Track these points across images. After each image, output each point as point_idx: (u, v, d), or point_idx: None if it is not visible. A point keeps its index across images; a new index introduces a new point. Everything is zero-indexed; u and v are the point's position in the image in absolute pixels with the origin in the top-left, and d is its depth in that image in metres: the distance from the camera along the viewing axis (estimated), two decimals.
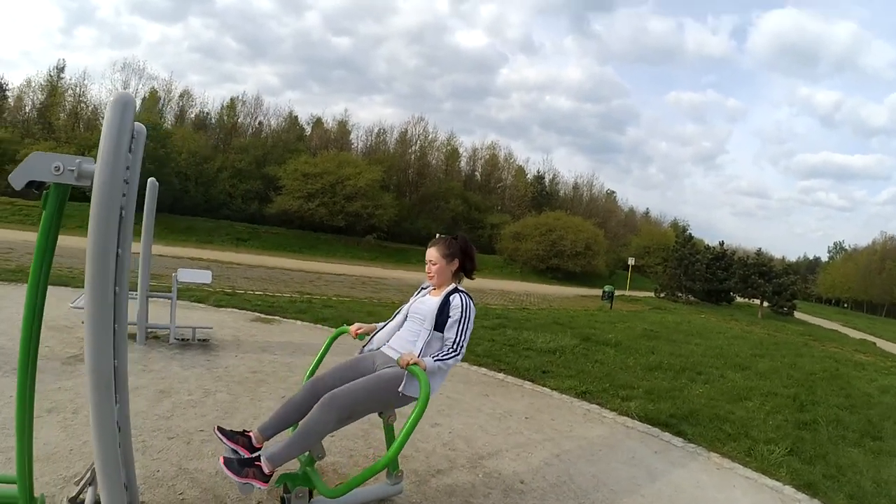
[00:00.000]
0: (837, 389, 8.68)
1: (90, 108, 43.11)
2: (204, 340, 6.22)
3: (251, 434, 2.66)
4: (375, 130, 54.17)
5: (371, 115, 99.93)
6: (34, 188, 2.11)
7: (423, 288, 3.18)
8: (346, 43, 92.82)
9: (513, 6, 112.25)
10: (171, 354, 5.54)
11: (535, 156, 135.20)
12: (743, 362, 10.13)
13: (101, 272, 1.97)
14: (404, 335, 2.96)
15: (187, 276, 6.51)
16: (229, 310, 8.73)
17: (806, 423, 6.14)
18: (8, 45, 73.27)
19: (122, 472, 2.38)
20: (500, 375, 6.53)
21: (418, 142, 53.38)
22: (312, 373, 3.15)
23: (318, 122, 52.41)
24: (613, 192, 69.05)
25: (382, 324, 3.19)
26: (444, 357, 2.75)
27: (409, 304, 3.11)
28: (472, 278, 3.16)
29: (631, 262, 37.14)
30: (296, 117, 51.61)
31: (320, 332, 7.86)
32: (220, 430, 2.63)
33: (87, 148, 34.77)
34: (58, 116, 41.29)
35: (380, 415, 2.92)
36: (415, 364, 2.60)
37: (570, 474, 3.82)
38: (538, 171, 61.18)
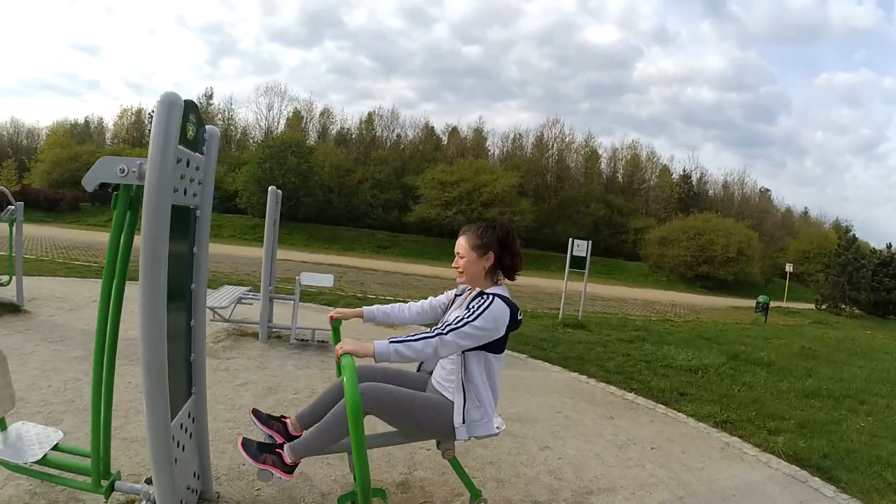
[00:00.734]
0: None
1: (239, 130, 47.73)
2: (323, 342, 6.36)
3: (288, 420, 2.50)
4: (511, 136, 54.08)
5: (507, 120, 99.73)
6: (110, 189, 2.18)
7: (458, 294, 2.64)
8: (475, 51, 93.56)
9: None
10: (289, 354, 5.73)
11: (679, 153, 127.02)
12: None
13: (152, 268, 1.97)
14: (444, 361, 2.43)
15: (310, 279, 6.74)
16: None
17: None
18: (163, 77, 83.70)
19: (195, 462, 2.55)
20: (631, 396, 5.91)
21: (555, 145, 52.39)
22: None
23: (453, 131, 53.40)
24: (768, 190, 62.14)
25: (374, 307, 2.71)
26: (410, 338, 2.12)
27: (446, 312, 2.61)
28: (512, 279, 2.47)
29: (789, 268, 33.34)
30: (432, 127, 53.06)
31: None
32: (256, 413, 2.50)
33: (238, 165, 38.49)
34: None
35: (437, 446, 2.53)
36: (345, 354, 2.04)
37: None
38: (684, 170, 56.71)
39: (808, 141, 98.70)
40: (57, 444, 2.49)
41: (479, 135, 52.97)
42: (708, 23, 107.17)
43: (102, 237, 22.08)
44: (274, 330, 6.39)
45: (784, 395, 6.82)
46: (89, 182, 2.13)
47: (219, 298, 6.17)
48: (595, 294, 20.91)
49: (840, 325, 22.34)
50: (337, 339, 2.75)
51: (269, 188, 6.28)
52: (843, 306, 31.25)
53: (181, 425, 2.30)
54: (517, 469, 3.60)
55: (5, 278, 6.89)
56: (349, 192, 41.59)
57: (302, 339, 6.29)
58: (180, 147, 2.07)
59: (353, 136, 51.48)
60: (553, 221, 45.46)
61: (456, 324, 2.16)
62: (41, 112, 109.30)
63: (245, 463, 3.02)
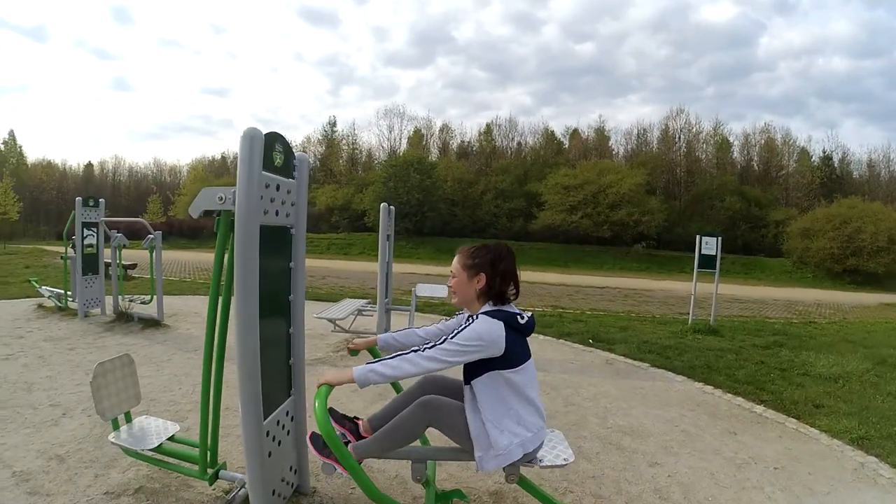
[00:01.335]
0: None
1: (364, 153, 50.67)
2: None
3: (360, 422, 2.58)
4: (635, 132, 52.19)
5: (629, 116, 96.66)
6: (214, 215, 2.50)
7: (468, 318, 2.44)
8: (588, 48, 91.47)
9: None
10: None
11: (817, 133, 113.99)
12: None
13: (245, 282, 2.24)
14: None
15: (426, 290, 7.03)
16: None
17: None
18: (289, 111, 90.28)
19: (293, 457, 2.83)
20: (759, 408, 5.43)
21: (682, 136, 49.69)
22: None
23: (574, 133, 52.61)
24: None
25: (387, 334, 2.67)
26: (393, 357, 2.14)
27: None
28: (502, 303, 2.32)
29: None
30: (552, 132, 52.70)
31: (561, 347, 7.65)
32: (332, 411, 2.54)
33: (364, 185, 40.61)
34: (336, 163, 49.23)
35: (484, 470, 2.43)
36: (323, 385, 2.08)
37: None
38: (823, 151, 50.18)
39: None
40: (173, 435, 2.91)
41: (600, 134, 51.77)
42: None
43: None
44: None
45: None
46: (195, 210, 2.45)
47: (338, 311, 6.61)
48: (731, 296, 19.55)
49: None
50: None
51: (381, 205, 6.63)
52: None
53: (278, 422, 2.58)
54: (619, 486, 3.46)
55: (148, 297, 7.99)
56: (472, 204, 42.42)
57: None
58: (266, 174, 2.33)
59: (474, 148, 52.49)
60: (686, 219, 42.94)
61: (437, 341, 2.17)
62: (181, 151, 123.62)
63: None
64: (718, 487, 3.59)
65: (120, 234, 7.96)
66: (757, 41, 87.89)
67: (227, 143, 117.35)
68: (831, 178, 47.58)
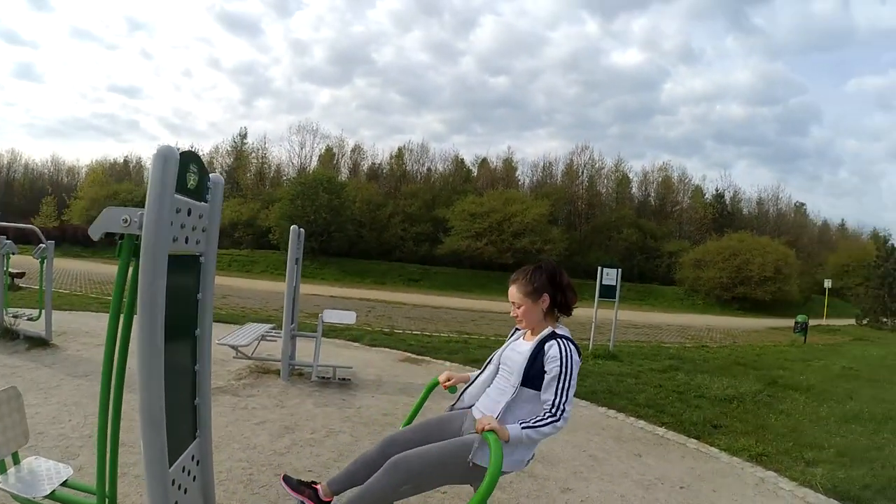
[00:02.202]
0: None
1: (273, 168, 49.42)
2: (345, 380, 6.36)
3: (318, 487, 2.51)
4: (541, 164, 54.31)
5: (536, 149, 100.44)
6: (116, 238, 2.28)
7: (516, 329, 2.65)
8: (503, 81, 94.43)
9: (664, 16, 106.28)
10: (310, 392, 5.75)
11: (711, 173, 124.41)
12: None
13: (149, 317, 2.02)
14: (493, 394, 2.49)
15: (333, 316, 6.83)
16: (381, 349, 8.95)
17: None
18: (198, 118, 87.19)
19: (200, 502, 2.56)
20: (661, 430, 5.72)
21: (585, 171, 52.33)
22: (409, 422, 2.85)
23: (482, 162, 53.91)
24: (803, 204, 60.57)
25: (477, 373, 2.73)
26: (538, 423, 2.23)
27: (501, 349, 2.63)
28: (568, 314, 2.52)
29: (827, 284, 32.26)
30: (461, 160, 53.73)
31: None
32: (287, 480, 2.53)
33: (272, 202, 39.44)
34: (244, 177, 47.60)
35: (473, 485, 2.45)
36: (491, 430, 2.15)
37: None
38: (716, 189, 55.62)
39: (842, 150, 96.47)
40: (66, 479, 2.61)
41: (508, 165, 53.46)
42: (732, 37, 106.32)
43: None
44: (296, 367, 6.46)
45: (823, 421, 6.56)
46: (95, 231, 2.19)
47: (241, 336, 6.28)
48: (629, 321, 20.53)
49: (882, 341, 21.50)
50: (424, 398, 2.93)
51: (291, 227, 6.42)
52: (885, 319, 30.11)
53: (183, 468, 2.34)
54: None
55: (35, 313, 7.24)
56: (380, 227, 42.17)
57: (323, 377, 6.31)
58: (179, 197, 2.14)
59: (384, 170, 52.44)
60: (585, 249, 45.22)
61: (563, 397, 2.27)
62: (81, 151, 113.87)
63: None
64: None
65: (8, 242, 7.13)
66: (661, 86, 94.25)
67: (132, 147, 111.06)
68: (722, 214, 52.14)
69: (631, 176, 54.71)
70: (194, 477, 2.44)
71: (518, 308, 2.47)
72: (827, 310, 33.16)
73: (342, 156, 52.17)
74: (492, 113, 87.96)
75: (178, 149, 2.18)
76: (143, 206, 2.07)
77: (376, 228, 41.85)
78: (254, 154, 50.61)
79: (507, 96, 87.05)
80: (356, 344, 9.19)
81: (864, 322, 30.47)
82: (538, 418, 2.24)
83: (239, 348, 6.10)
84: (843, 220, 65.37)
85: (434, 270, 40.40)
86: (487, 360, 2.69)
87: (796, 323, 19.67)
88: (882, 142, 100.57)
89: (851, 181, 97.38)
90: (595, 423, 5.81)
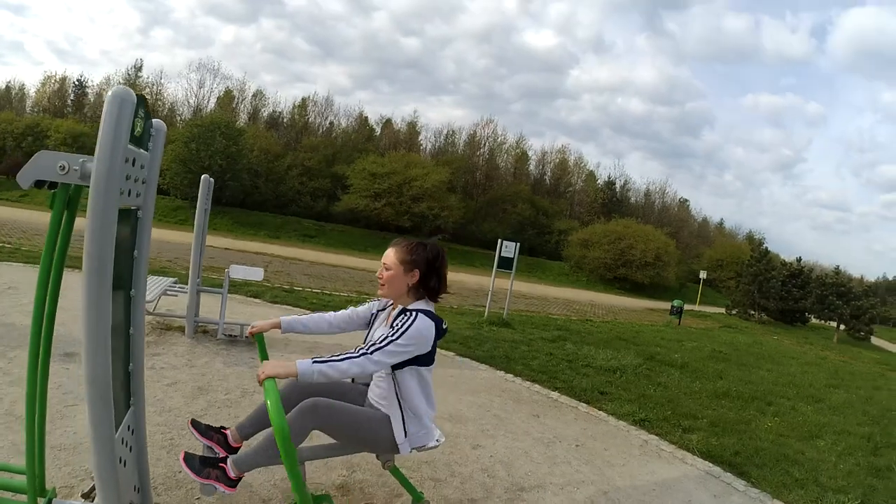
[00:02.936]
0: None
1: (167, 106, 45.75)
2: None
3: (227, 431, 2.43)
4: (444, 132, 54.59)
5: (440, 115, 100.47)
6: (46, 186, 2.05)
7: (380, 310, 2.56)
8: (414, 43, 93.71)
9: (583, 4, 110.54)
10: (217, 350, 5.55)
11: (606, 160, 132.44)
12: (816, 393, 9.27)
13: (98, 274, 1.84)
14: (376, 379, 2.42)
15: (240, 272, 6.53)
16: (283, 306, 8.77)
17: (879, 470, 5.39)
18: (89, 44, 79.00)
19: (135, 476, 2.37)
20: (555, 394, 6.15)
21: (487, 144, 53.14)
22: None
23: (387, 123, 53.17)
24: (687, 200, 66.22)
25: (292, 317, 2.57)
26: (334, 358, 2.07)
27: (368, 333, 2.53)
28: (436, 301, 2.43)
29: (703, 275, 35.51)
30: (366, 118, 52.72)
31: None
32: (195, 424, 2.42)
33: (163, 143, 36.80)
34: None
35: (377, 457, 2.49)
36: (268, 378, 1.94)
37: None
38: (609, 177, 59.43)
39: (730, 156, 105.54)
40: None
41: (412, 128, 53.10)
42: (644, 36, 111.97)
43: (18, 214, 20.54)
44: (200, 324, 6.16)
45: (697, 395, 7.28)
46: (25, 178, 1.97)
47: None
48: (518, 292, 21.36)
49: (749, 330, 23.97)
50: (263, 352, 2.68)
51: (203, 177, 6.03)
52: (752, 312, 33.59)
53: (122, 440, 2.16)
54: (452, 468, 3.69)
55: None
56: (277, 178, 40.55)
57: (230, 335, 6.09)
58: (129, 146, 1.95)
59: (285, 120, 50.19)
60: (480, 219, 46.29)
61: (381, 342, 2.15)
62: None
63: (181, 471, 2.93)
64: (534, 464, 4.06)
65: None
66: (568, 71, 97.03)
67: (15, 71, 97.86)
68: (612, 200, 55.65)
69: (530, 154, 56.56)
70: (130, 447, 2.27)
71: (387, 271, 2.37)
72: (700, 297, 36.31)
73: (242, 100, 49.24)
74: (399, 73, 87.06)
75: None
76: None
77: (273, 180, 40.21)
78: (148, 89, 46.48)
79: (416, 59, 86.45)
80: (257, 300, 8.92)
81: (734, 312, 33.82)
82: (340, 354, 2.12)
83: None
84: (721, 219, 72.33)
85: (329, 227, 39.78)
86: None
87: (672, 307, 21.38)
88: (768, 154, 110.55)
89: (735, 185, 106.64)
90: (495, 385, 6.15)
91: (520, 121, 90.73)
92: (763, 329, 27.06)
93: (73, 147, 37.18)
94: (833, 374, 13.03)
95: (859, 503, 4.36)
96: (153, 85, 46.58)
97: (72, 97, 47.35)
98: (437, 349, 2.41)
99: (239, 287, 9.29)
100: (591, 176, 58.35)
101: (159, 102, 46.14)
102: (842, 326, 31.77)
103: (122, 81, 46.08)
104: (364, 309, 2.61)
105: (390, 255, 2.39)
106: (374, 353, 2.12)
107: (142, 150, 2.21)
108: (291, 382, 2.38)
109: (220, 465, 2.21)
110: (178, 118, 46.32)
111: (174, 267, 11.40)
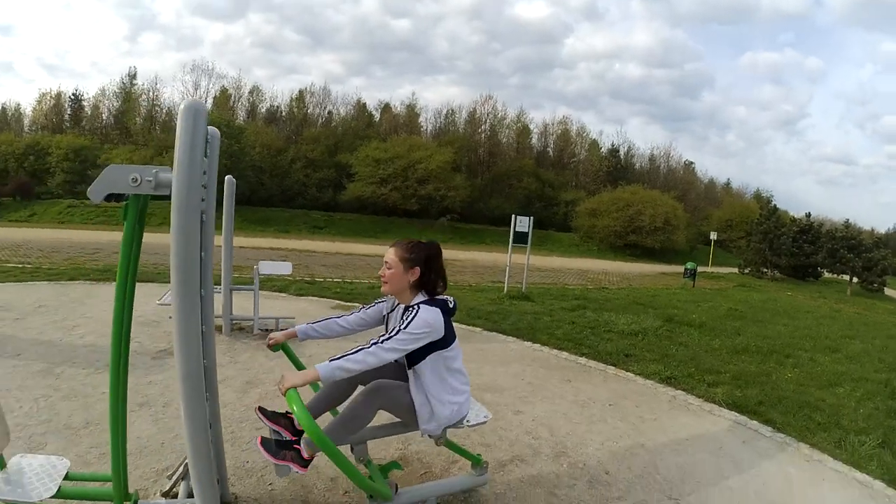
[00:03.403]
0: None
1: (164, 111, 45.94)
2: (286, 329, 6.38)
3: (293, 416, 2.58)
4: (444, 112, 54.21)
5: (436, 95, 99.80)
6: (114, 199, 2.18)
7: (390, 311, 2.72)
8: (405, 25, 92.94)
9: None
10: (256, 345, 5.76)
11: (608, 128, 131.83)
12: (833, 344, 9.47)
13: (186, 281, 2.01)
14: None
15: (268, 268, 6.75)
16: (310, 298, 9.02)
17: None
18: (78, 57, 78.68)
19: (214, 468, 2.46)
20: (583, 360, 6.40)
21: (488, 121, 52.84)
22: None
23: (386, 108, 52.95)
24: (692, 162, 65.75)
25: (306, 325, 2.73)
26: (348, 353, 2.27)
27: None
28: (432, 297, 2.58)
29: (713, 236, 35.48)
30: (364, 104, 52.44)
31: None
32: (262, 410, 2.59)
33: (164, 149, 36.98)
34: (134, 121, 44.10)
35: (429, 436, 2.68)
36: (290, 388, 2.14)
37: (655, 465, 3.69)
38: (612, 144, 58.99)
39: (731, 116, 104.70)
40: (67, 473, 2.46)
41: (411, 111, 52.80)
42: (638, 1, 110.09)
43: (30, 234, 20.78)
44: (235, 322, 6.38)
45: (717, 352, 7.52)
46: (97, 193, 2.08)
47: None
48: (532, 265, 21.48)
49: (762, 288, 24.08)
50: (293, 358, 2.88)
51: (227, 178, 6.21)
52: (765, 270, 33.67)
53: None
54: (499, 433, 3.93)
55: None
56: (281, 173, 40.57)
57: (266, 329, 6.32)
58: None
59: (284, 114, 50.08)
60: (486, 196, 46.26)
61: (392, 333, 2.34)
62: None
63: (248, 461, 3.15)
64: (573, 424, 4.32)
65: None
66: (563, 41, 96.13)
67: (8, 92, 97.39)
68: (617, 168, 55.41)
69: (531, 127, 56.13)
70: (211, 441, 2.45)
71: (388, 269, 2.54)
72: (712, 259, 36.33)
73: (239, 98, 49.09)
74: (392, 56, 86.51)
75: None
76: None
77: (277, 175, 40.22)
78: (144, 96, 46.34)
79: (408, 40, 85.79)
80: (283, 294, 9.16)
81: (746, 271, 33.94)
82: (353, 349, 2.29)
83: None
84: (728, 179, 72.06)
85: (338, 217, 39.88)
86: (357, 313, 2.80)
87: (686, 269, 21.53)
88: (769, 112, 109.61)
89: (738, 144, 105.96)
90: (525, 355, 6.40)
91: (518, 94, 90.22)
92: (776, 286, 27.13)
93: (74, 161, 37.69)
94: (848, 325, 13.18)
95: (880, 442, 4.57)
96: (149, 91, 46.54)
97: (69, 112, 47.36)
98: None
99: (263, 283, 9.49)
100: (595, 145, 57.97)
101: (157, 108, 46.12)
102: (854, 279, 31.74)
103: (117, 91, 46.20)
104: (374, 310, 2.77)
105: (391, 253, 2.56)
106: (385, 343, 2.30)
107: (203, 158, 2.37)
108: None
109: (295, 446, 2.41)
110: (177, 122, 46.07)
111: None
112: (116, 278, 2.18)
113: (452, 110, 54.03)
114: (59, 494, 2.33)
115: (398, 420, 2.66)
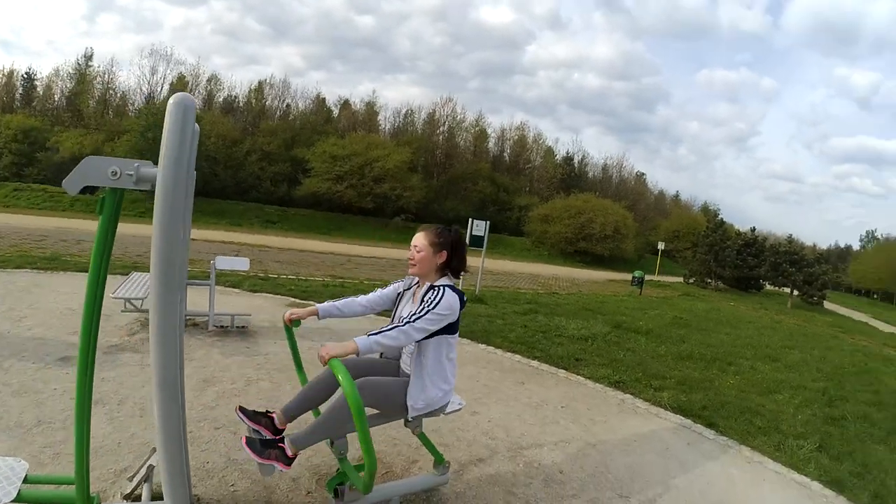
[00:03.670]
0: (866, 385, 8.59)
1: (118, 95, 44.14)
2: (242, 327, 6.34)
3: (274, 415, 2.65)
4: (403, 111, 54.08)
5: (396, 94, 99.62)
6: (88, 192, 2.14)
7: (406, 289, 2.89)
8: (369, 21, 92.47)
9: None
10: (211, 342, 5.68)
11: (564, 136, 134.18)
12: (773, 354, 10.02)
13: (167, 283, 1.96)
14: (407, 347, 2.75)
15: (225, 263, 6.64)
16: (264, 294, 8.90)
17: (834, 419, 6.11)
18: (34, 34, 74.90)
19: (188, 479, 2.45)
20: (535, 363, 6.59)
21: (447, 123, 53.00)
22: (299, 366, 3.02)
23: (345, 104, 52.37)
24: (643, 173, 68.03)
25: (327, 303, 2.81)
26: (384, 329, 2.41)
27: (395, 311, 2.86)
28: (458, 278, 2.85)
29: (661, 246, 36.78)
30: (323, 99, 51.75)
31: (358, 319, 7.86)
32: (243, 410, 2.62)
33: (117, 134, 35.65)
34: (87, 104, 42.21)
35: (406, 424, 2.78)
36: (333, 358, 2.22)
37: (606, 465, 3.87)
38: (567, 152, 60.46)
39: (684, 131, 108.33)
40: (26, 475, 2.37)
41: (371, 109, 52.41)
42: (600, 13, 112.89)
43: None
44: (189, 317, 6.27)
45: (663, 358, 7.87)
46: (73, 185, 1.98)
47: (134, 288, 5.94)
48: (485, 269, 21.70)
49: (706, 298, 25.03)
50: (292, 339, 2.92)
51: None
52: (709, 281, 35.05)
53: None
54: (456, 434, 4.04)
55: None
56: (236, 165, 39.50)
57: (221, 326, 6.23)
58: None
59: (241, 104, 48.88)
60: (441, 198, 46.49)
61: (420, 313, 2.47)
62: None
63: (209, 462, 3.14)
64: (527, 425, 4.47)
65: None
66: (525, 48, 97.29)
67: None
68: (571, 176, 56.76)
69: (489, 131, 56.74)
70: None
71: (418, 252, 2.71)
72: (659, 268, 37.53)
73: (196, 86, 47.58)
74: (354, 52, 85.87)
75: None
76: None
77: (232, 166, 39.12)
78: (99, 79, 44.31)
79: (371, 37, 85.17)
80: (237, 290, 9.02)
81: (691, 281, 35.23)
82: (387, 326, 2.45)
83: (132, 300, 5.76)
84: (677, 191, 75.13)
85: (292, 212, 39.27)
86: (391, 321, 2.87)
87: (634, 277, 22.16)
88: (722, 128, 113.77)
89: (689, 158, 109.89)
90: (480, 357, 6.55)
91: (477, 98, 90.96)
92: (720, 296, 28.25)
93: (23, 142, 35.90)
94: (788, 336, 13.88)
95: (818, 446, 4.93)
96: (104, 74, 44.49)
97: (20, 91, 45.07)
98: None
99: (217, 278, 9.33)
100: (550, 152, 59.15)
101: (111, 91, 44.32)
102: (795, 292, 33.38)
103: (72, 72, 44.10)
104: (390, 289, 2.92)
105: (421, 238, 2.74)
106: (417, 322, 2.45)
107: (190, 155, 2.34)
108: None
109: (279, 444, 2.44)
110: (131, 107, 44.58)
111: (145, 261, 11.30)
112: (89, 272, 2.10)
113: (412, 110, 54.10)
114: (19, 498, 2.25)
115: (377, 412, 2.72)
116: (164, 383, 1.99)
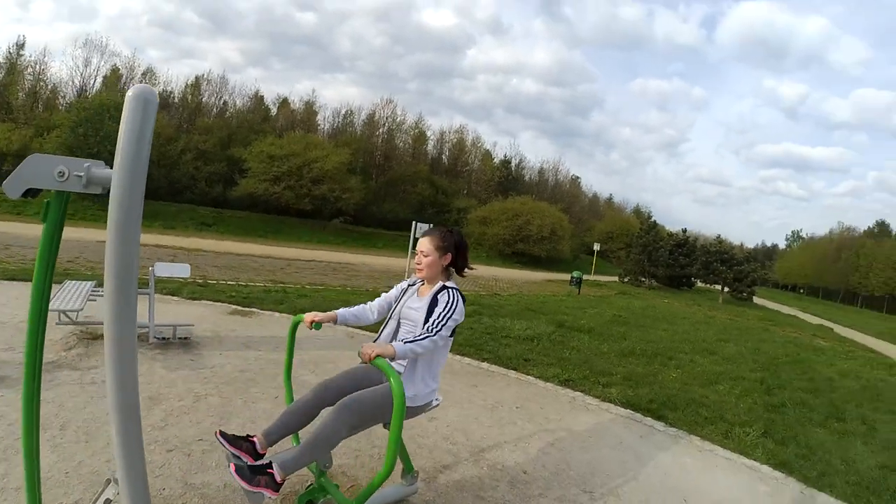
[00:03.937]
0: (800, 373, 9.12)
1: (49, 87, 41.50)
2: (185, 338, 6.01)
3: (255, 439, 2.55)
4: (343, 112, 53.43)
5: (335, 94, 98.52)
6: (31, 196, 1.95)
7: (410, 285, 3.01)
8: (310, 18, 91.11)
9: None
10: (153, 355, 5.35)
11: (502, 140, 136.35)
12: (710, 347, 10.47)
13: (124, 290, 1.76)
14: None
15: (165, 269, 6.29)
16: (204, 302, 8.52)
17: (774, 406, 6.48)
18: None
19: None
20: (485, 365, 6.62)
21: (386, 124, 52.75)
22: (288, 369, 3.02)
23: (284, 103, 51.21)
24: (578, 177, 70.23)
25: (344, 310, 2.94)
26: (418, 338, 2.52)
27: (398, 305, 2.92)
28: (462, 276, 3.02)
29: (596, 247, 37.88)
30: (262, 97, 50.33)
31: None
32: (223, 434, 2.50)
33: (47, 129, 33.39)
34: (16, 96, 39.41)
35: (385, 426, 2.70)
36: (378, 356, 2.33)
37: (567, 462, 3.95)
38: (505, 156, 61.60)
39: (617, 136, 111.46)
40: None
41: (310, 108, 51.51)
42: (541, 20, 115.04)
43: None
44: None
45: (607, 355, 8.10)
46: (14, 187, 1.78)
47: (69, 298, 5.49)
48: None
49: (641, 296, 25.92)
50: (291, 346, 2.99)
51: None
52: (643, 279, 36.46)
53: None
54: (417, 441, 3.99)
55: None
56: (170, 164, 37.51)
57: (162, 338, 5.88)
58: None
59: (176, 100, 46.75)
60: (380, 199, 46.32)
61: (441, 321, 2.60)
62: None
63: (165, 489, 2.90)
64: (486, 427, 4.50)
65: None
66: (465, 52, 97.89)
67: None
68: (508, 179, 57.80)
69: (428, 134, 56.90)
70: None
71: (425, 257, 2.84)
72: (595, 268, 38.57)
73: (131, 79, 44.98)
74: (293, 49, 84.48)
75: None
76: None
77: (165, 165, 37.03)
78: (30, 69, 41.34)
79: (311, 35, 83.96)
80: (175, 298, 8.61)
81: (626, 280, 36.55)
82: (418, 335, 2.55)
83: (67, 312, 5.35)
84: (610, 194, 78.27)
85: (228, 214, 37.95)
86: (388, 317, 2.97)
87: (572, 277, 22.68)
88: (653, 134, 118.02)
89: (621, 163, 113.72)
90: None
91: (416, 100, 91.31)
92: (654, 294, 29.31)
93: None
94: (722, 330, 14.53)
95: (763, 432, 5.23)
96: (36, 64, 41.29)
97: None
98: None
99: (155, 285, 8.90)
100: (488, 155, 59.98)
101: (41, 83, 41.38)
102: (726, 289, 35.04)
103: (2, 61, 41.14)
104: (394, 291, 3.04)
105: (426, 243, 2.88)
106: (442, 330, 2.59)
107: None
108: (314, 390, 2.71)
109: (269, 471, 2.32)
110: (62, 100, 41.74)
111: (77, 267, 10.69)
112: (33, 283, 1.87)
113: (351, 111, 53.53)
114: None
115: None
116: (124, 408, 1.72)
